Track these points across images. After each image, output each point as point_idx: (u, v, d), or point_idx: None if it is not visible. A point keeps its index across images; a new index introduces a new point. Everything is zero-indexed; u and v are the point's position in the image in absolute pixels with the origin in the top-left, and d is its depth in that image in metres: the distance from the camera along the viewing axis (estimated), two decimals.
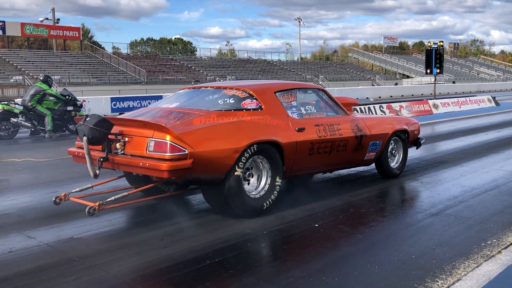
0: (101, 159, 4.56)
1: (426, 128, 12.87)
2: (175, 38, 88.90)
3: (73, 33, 45.81)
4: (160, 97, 22.35)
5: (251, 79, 47.61)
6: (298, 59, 71.26)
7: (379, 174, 6.63)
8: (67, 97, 11.92)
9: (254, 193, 4.76)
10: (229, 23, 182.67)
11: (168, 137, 4.18)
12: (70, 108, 11.89)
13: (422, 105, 17.64)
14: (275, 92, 5.30)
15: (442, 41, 18.96)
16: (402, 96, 34.39)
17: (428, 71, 18.90)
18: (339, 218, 4.73)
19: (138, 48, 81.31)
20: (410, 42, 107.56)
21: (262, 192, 4.79)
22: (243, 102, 5.00)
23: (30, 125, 11.52)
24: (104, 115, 4.71)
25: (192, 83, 39.13)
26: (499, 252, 3.74)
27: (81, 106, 12.33)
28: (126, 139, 4.49)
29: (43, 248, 3.96)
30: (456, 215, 4.79)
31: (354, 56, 76.58)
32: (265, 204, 4.77)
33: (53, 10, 47.52)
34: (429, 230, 4.35)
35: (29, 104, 11.33)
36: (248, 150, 4.55)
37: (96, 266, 3.53)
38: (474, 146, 9.47)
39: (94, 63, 43.43)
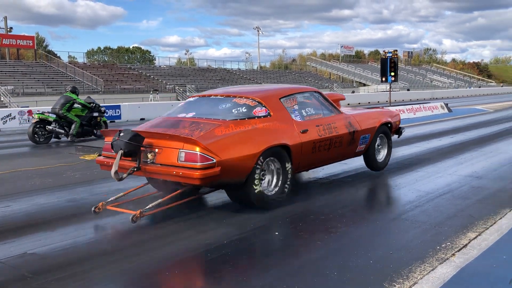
0: (134, 169, 4.91)
1: None
2: (133, 47, 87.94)
3: (27, 42, 44.50)
4: (118, 107, 22.00)
5: (211, 88, 47.53)
6: (257, 68, 71.73)
7: (367, 166, 7.27)
8: (91, 104, 13.09)
9: (268, 190, 5.29)
10: (188, 32, 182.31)
11: (197, 149, 4.60)
12: (95, 114, 13.12)
13: None
14: (279, 99, 5.80)
15: (396, 50, 19.49)
16: (359, 103, 35.03)
17: (383, 79, 19.38)
18: (299, 226, 4.76)
19: (95, 57, 79.96)
20: (366, 51, 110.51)
21: (276, 189, 5.34)
22: (254, 110, 5.47)
23: (63, 131, 12.50)
24: (132, 130, 5.08)
25: (151, 92, 38.74)
26: (453, 255, 3.85)
27: (104, 111, 13.50)
28: (157, 150, 4.87)
29: None
30: (412, 220, 4.91)
31: (312, 64, 77.66)
32: (278, 198, 5.34)
33: (5, 18, 46.10)
34: (386, 235, 4.44)
35: (60, 112, 12.41)
36: (264, 154, 5.07)
37: (51, 282, 3.42)
38: (429, 152, 9.75)
39: (49, 72, 42.29)
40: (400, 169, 7.82)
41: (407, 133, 13.79)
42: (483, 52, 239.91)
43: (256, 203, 5.12)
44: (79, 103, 12.82)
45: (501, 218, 4.84)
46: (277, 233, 4.50)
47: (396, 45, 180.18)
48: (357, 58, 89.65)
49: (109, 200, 5.24)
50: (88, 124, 12.96)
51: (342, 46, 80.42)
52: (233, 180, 4.90)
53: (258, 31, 75.94)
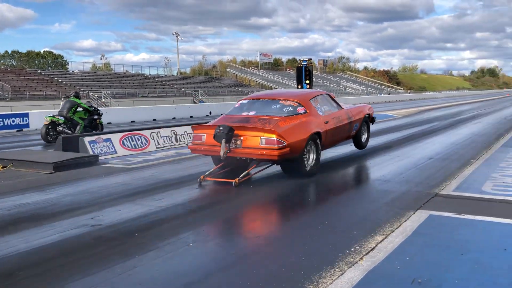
0: (228, 151, 6.93)
1: None
2: (44, 51, 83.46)
3: None
4: (26, 115, 20.80)
5: (128, 93, 46.30)
6: (177, 73, 70.91)
7: (355, 146, 10.14)
8: (92, 108, 14.73)
9: (309, 163, 7.46)
10: (103, 36, 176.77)
11: (274, 136, 6.75)
12: (95, 117, 14.61)
13: None
14: (309, 100, 8.06)
15: (311, 59, 20.11)
16: None
17: (299, 86, 19.92)
18: (210, 235, 4.71)
19: (2, 61, 74.94)
20: (284, 58, 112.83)
21: (312, 164, 7.53)
22: (297, 109, 7.72)
23: (70, 132, 13.90)
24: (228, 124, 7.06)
25: (62, 98, 36.88)
26: (361, 258, 3.98)
27: (101, 114, 14.99)
28: (242, 138, 6.94)
29: None
30: (325, 225, 5.03)
31: (233, 71, 78.18)
32: (314, 169, 7.56)
33: None
34: (299, 241, 4.50)
35: (68, 115, 14.07)
36: (309, 139, 7.28)
37: None
38: (340, 157, 10.10)
39: None
40: (311, 174, 8.02)
41: None
42: (392, 60, 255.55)
43: (303, 173, 7.32)
44: (82, 107, 14.44)
45: (406, 220, 5.09)
46: (191, 244, 4.42)
47: (312, 53, 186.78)
48: (275, 65, 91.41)
49: (206, 173, 7.27)
50: (89, 125, 14.48)
51: (261, 54, 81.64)
52: (293, 156, 7.05)
53: (177, 36, 75.29)
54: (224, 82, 65.64)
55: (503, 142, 11.65)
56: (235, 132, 6.93)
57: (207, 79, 65.96)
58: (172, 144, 11.74)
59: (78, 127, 14.11)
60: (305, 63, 19.63)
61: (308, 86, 19.62)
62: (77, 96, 14.71)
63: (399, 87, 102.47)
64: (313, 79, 19.87)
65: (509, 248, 4.19)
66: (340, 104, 9.28)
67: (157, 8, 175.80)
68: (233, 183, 6.79)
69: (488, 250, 4.17)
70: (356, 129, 9.56)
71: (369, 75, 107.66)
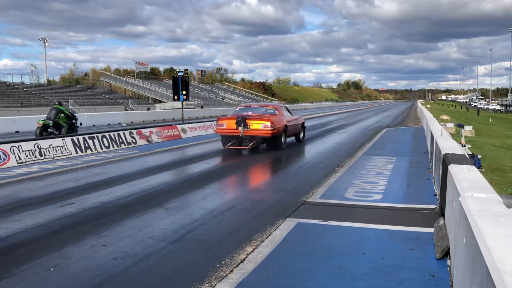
0: (243, 131, 12.28)
1: (175, 152, 13.32)
2: None
3: None
4: None
5: None
6: (45, 82, 66.26)
7: (296, 141, 15.22)
8: (71, 114, 17.27)
9: (283, 142, 13.15)
10: None
11: (269, 123, 12.39)
12: (74, 121, 17.22)
13: (171, 130, 18.20)
14: (280, 107, 14.04)
15: (187, 70, 20.04)
16: (154, 121, 34.85)
17: (176, 97, 19.72)
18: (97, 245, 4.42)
19: None
20: (162, 68, 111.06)
21: (284, 143, 13.31)
22: (275, 111, 13.40)
23: (57, 133, 16.13)
24: (242, 116, 12.57)
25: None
26: (231, 271, 3.99)
27: (77, 119, 17.69)
28: (250, 124, 12.42)
29: None
30: (196, 239, 4.98)
31: (106, 80, 75.08)
32: (285, 145, 13.41)
33: None
34: (170, 258, 4.39)
35: (55, 119, 16.45)
36: (283, 127, 13.04)
37: None
38: (217, 168, 10.18)
39: None
40: (188, 186, 7.95)
41: (196, 151, 14.21)
42: (267, 72, 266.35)
43: (280, 148, 12.75)
44: (65, 113, 16.94)
45: (275, 229, 5.24)
46: (51, 270, 4.08)
47: (191, 63, 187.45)
48: (152, 74, 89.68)
49: (229, 144, 12.52)
50: (69, 128, 16.93)
51: (136, 62, 79.56)
52: (278, 135, 12.61)
53: (44, 42, 70.30)
54: (97, 91, 62.75)
55: (365, 151, 12.65)
56: (246, 121, 12.23)
57: (78, 88, 62.54)
58: (36, 158, 10.87)
59: (63, 129, 16.59)
60: (181, 74, 19.52)
61: (185, 97, 19.51)
62: (60, 104, 17.40)
63: (274, 98, 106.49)
64: (192, 90, 19.83)
65: (367, 252, 4.50)
66: (291, 112, 14.99)
67: (23, 12, 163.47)
68: (248, 149, 12.37)
69: (349, 254, 4.44)
70: (299, 129, 15.13)
71: (246, 86, 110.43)
